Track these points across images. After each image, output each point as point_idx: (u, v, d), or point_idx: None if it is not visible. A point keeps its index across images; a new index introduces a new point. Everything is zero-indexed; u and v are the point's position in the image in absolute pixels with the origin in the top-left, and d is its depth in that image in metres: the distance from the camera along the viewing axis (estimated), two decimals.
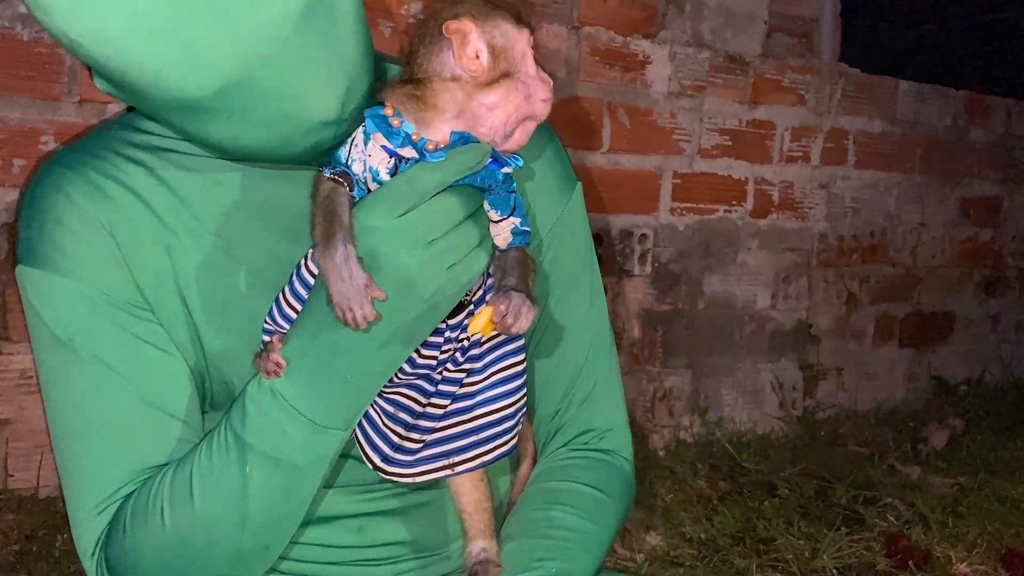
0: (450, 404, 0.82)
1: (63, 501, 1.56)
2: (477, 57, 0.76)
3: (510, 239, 0.81)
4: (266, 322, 0.82)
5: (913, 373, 3.00)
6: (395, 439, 0.82)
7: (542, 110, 0.79)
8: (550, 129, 1.00)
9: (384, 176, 0.77)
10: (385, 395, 0.82)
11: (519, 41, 0.78)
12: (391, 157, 0.76)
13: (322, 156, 0.81)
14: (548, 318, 0.99)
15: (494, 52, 0.76)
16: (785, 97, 2.55)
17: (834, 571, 1.78)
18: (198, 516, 0.80)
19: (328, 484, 0.90)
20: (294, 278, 0.81)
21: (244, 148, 0.79)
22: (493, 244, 0.81)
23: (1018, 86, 3.36)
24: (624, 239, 2.28)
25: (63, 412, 0.86)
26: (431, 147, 0.76)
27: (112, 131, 0.89)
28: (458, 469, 0.82)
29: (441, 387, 0.81)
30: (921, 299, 3.00)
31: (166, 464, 0.84)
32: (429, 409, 0.81)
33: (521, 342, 0.84)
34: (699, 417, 2.47)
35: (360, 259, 0.74)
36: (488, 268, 0.81)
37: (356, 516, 0.92)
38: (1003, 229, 3.22)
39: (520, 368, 0.84)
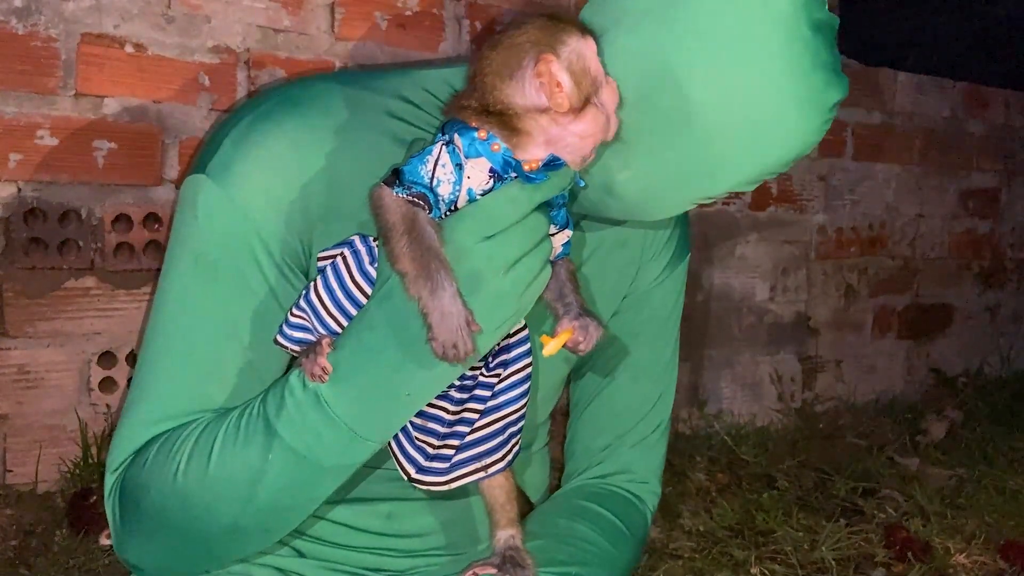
0: (482, 409, 0.82)
1: (61, 496, 1.57)
2: (560, 87, 0.75)
3: (559, 251, 0.82)
4: (294, 315, 0.81)
5: (912, 365, 3.00)
6: (429, 450, 0.82)
7: (614, 127, 0.79)
8: None
9: (478, 196, 0.76)
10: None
11: (591, 57, 0.77)
12: (491, 178, 0.75)
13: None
14: (630, 361, 1.04)
15: (575, 77, 0.75)
16: None
17: (833, 563, 1.78)
18: (208, 482, 0.80)
19: (365, 464, 0.90)
20: (334, 286, 0.79)
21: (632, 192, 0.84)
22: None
23: (1017, 78, 3.36)
24: None
25: (166, 322, 0.84)
26: (527, 168, 0.76)
27: (354, 92, 0.86)
28: (491, 471, 0.83)
29: (476, 392, 0.82)
30: (920, 291, 3.00)
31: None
32: (465, 415, 0.82)
33: (528, 345, 0.85)
34: (698, 409, 2.47)
35: (459, 292, 0.73)
36: None
37: (388, 500, 0.93)
38: (1002, 221, 3.22)
39: (529, 371, 0.85)
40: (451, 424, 0.82)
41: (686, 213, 1.05)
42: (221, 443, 0.80)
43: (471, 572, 0.87)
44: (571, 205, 0.86)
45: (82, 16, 1.55)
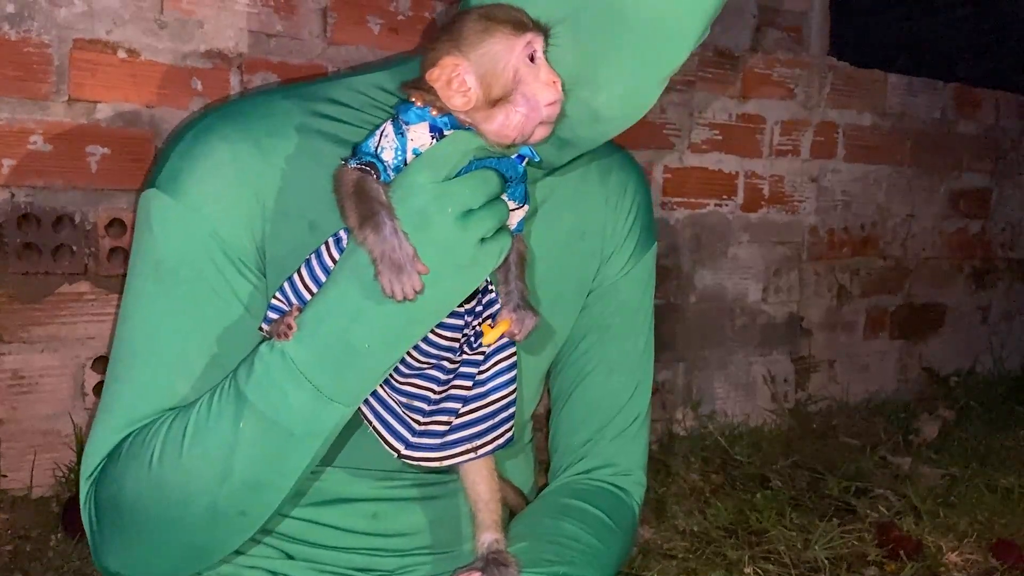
0: (472, 385, 0.84)
1: (56, 501, 1.57)
2: (467, 89, 0.77)
3: (513, 227, 0.84)
4: (276, 298, 0.83)
5: (904, 365, 3.02)
6: (416, 427, 0.83)
7: (549, 114, 0.79)
8: (647, 184, 1.08)
9: None
10: (398, 386, 0.84)
11: (509, 58, 0.77)
12: (433, 136, 0.79)
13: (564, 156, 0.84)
14: (603, 354, 1.04)
15: (483, 81, 0.77)
16: (775, 91, 2.56)
17: (826, 562, 1.79)
18: (183, 463, 0.81)
19: (348, 465, 0.91)
20: (315, 265, 0.82)
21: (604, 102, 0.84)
22: None
23: (1007, 78, 3.38)
24: None
25: (131, 332, 0.87)
26: (466, 123, 0.79)
27: (290, 101, 0.90)
28: (480, 452, 0.84)
29: (463, 369, 0.84)
30: (912, 291, 3.01)
31: None
32: (453, 391, 0.83)
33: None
34: (692, 410, 2.48)
35: (405, 233, 0.75)
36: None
37: (373, 500, 0.93)
38: (993, 221, 3.24)
39: (515, 359, 0.86)
40: (437, 402, 0.83)
41: (649, 204, 1.08)
42: (195, 422, 0.81)
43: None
44: (544, 174, 0.88)
45: (74, 22, 1.56)
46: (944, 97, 3.01)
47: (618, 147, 1.05)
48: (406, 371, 0.83)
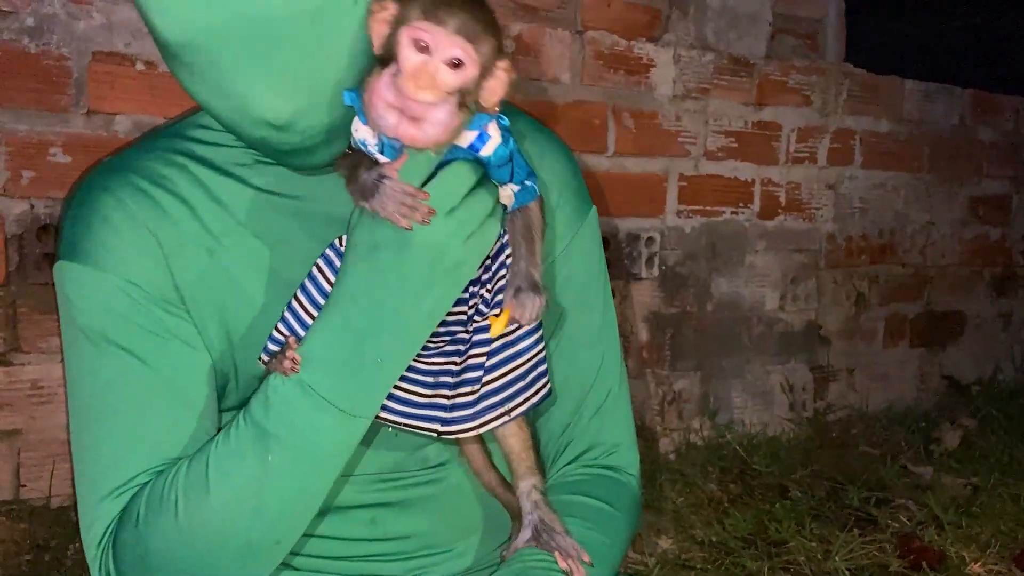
0: (487, 352, 0.85)
1: (75, 511, 1.58)
2: None
3: (513, 200, 0.84)
4: (277, 330, 0.84)
5: (924, 373, 2.99)
6: (446, 402, 0.85)
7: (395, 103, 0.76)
8: (567, 151, 1.03)
9: (372, 148, 0.80)
10: (424, 367, 0.85)
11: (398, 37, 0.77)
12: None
13: (278, 156, 0.84)
14: (561, 334, 1.02)
15: None
16: (791, 98, 2.55)
17: (846, 573, 1.78)
18: (213, 506, 0.81)
19: (341, 473, 0.91)
20: (311, 289, 0.83)
21: (219, 114, 0.83)
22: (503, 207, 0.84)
23: None
24: (631, 242, 2.28)
25: (87, 401, 0.87)
26: None
27: (159, 140, 0.93)
28: (514, 414, 0.86)
29: (475, 338, 0.85)
30: (931, 299, 2.99)
31: (182, 457, 0.86)
32: (470, 361, 0.85)
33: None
34: (709, 420, 2.46)
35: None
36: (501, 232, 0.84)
37: (369, 507, 0.94)
38: (1013, 227, 3.21)
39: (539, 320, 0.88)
40: (458, 373, 0.85)
41: (575, 171, 1.03)
42: (215, 467, 0.81)
43: (512, 550, 0.89)
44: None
45: (93, 35, 1.57)
46: (962, 103, 2.98)
47: (533, 124, 1.00)
48: (426, 353, 0.84)
